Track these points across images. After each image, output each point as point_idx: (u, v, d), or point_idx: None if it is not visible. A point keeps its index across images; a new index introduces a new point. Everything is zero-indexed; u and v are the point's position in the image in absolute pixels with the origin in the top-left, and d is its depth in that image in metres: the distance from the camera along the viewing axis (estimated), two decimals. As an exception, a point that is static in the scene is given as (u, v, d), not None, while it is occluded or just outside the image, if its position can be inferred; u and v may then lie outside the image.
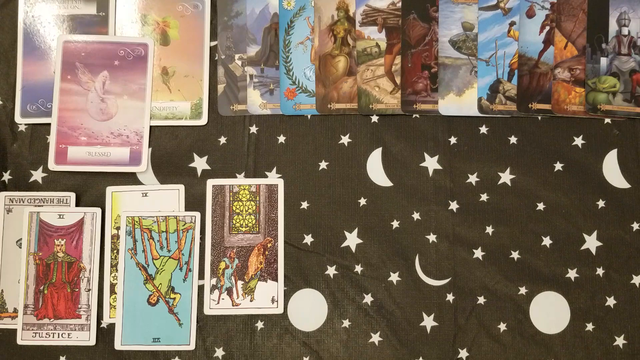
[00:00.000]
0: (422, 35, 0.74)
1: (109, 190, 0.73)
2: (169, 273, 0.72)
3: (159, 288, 0.71)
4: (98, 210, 0.72)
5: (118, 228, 0.72)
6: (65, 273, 0.72)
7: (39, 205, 0.73)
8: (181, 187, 0.74)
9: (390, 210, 0.74)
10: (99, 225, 0.72)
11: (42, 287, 0.71)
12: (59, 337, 0.71)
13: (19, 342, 0.71)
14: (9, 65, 0.75)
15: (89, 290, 0.72)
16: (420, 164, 0.75)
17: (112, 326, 0.72)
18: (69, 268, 0.72)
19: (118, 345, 0.71)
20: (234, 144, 0.75)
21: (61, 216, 0.72)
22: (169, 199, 0.73)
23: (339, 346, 0.73)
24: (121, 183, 0.74)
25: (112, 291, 0.72)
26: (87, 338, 0.71)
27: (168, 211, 0.73)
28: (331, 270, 0.74)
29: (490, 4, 0.75)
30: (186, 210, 0.73)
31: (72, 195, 0.73)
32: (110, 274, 0.72)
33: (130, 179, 0.74)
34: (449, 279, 0.74)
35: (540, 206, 0.74)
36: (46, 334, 0.71)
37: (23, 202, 0.73)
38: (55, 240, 0.72)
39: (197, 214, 0.73)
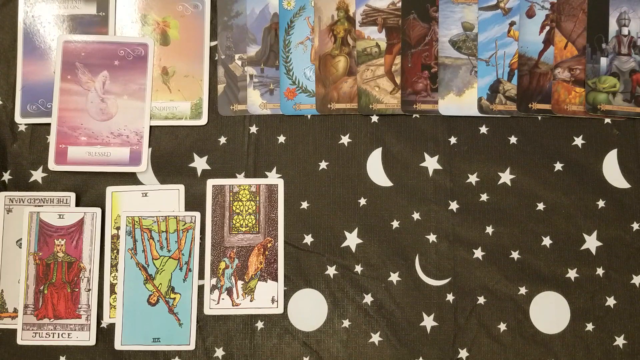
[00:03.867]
0: (422, 35, 0.74)
1: (109, 190, 0.73)
2: (169, 273, 0.72)
3: (159, 288, 0.71)
4: (98, 210, 0.72)
5: (118, 228, 0.72)
6: (65, 273, 0.72)
7: (39, 205, 0.73)
8: (181, 187, 0.74)
9: (390, 210, 0.74)
10: (99, 225, 0.72)
11: (42, 287, 0.71)
12: (59, 337, 0.71)
13: (19, 342, 0.71)
14: (9, 65, 0.75)
15: (89, 290, 0.72)
16: (420, 164, 0.75)
17: (112, 326, 0.72)
18: (69, 268, 0.72)
19: (118, 345, 0.71)
20: (234, 144, 0.75)
21: (61, 216, 0.72)
22: (169, 199, 0.73)
23: (339, 346, 0.73)
24: (121, 183, 0.74)
25: (112, 291, 0.72)
26: (87, 338, 0.71)
27: (168, 211, 0.73)
28: (331, 270, 0.74)
29: (490, 4, 0.75)
30: (186, 210, 0.73)
31: (72, 195, 0.73)
32: (110, 274, 0.72)
33: (130, 179, 0.74)
34: (449, 279, 0.74)
35: (540, 206, 0.74)
36: (46, 334, 0.71)
37: (23, 202, 0.73)
38: (55, 240, 0.72)
39: (197, 214, 0.73)
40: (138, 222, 0.72)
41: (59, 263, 0.72)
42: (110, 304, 0.72)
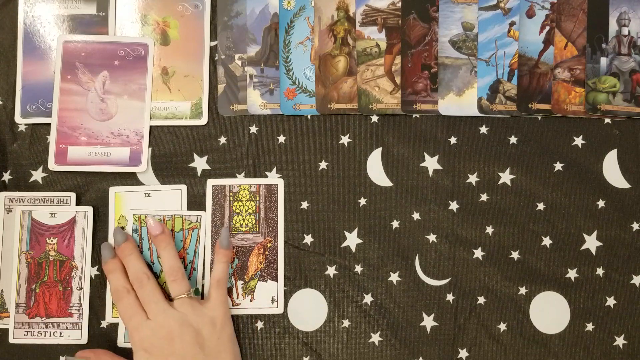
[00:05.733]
0: (422, 35, 0.75)
1: (112, 190, 0.73)
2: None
3: (163, 286, 0.71)
4: (90, 209, 0.72)
5: (122, 228, 0.72)
6: (57, 272, 0.71)
7: (37, 205, 0.73)
8: (183, 187, 0.74)
9: (390, 210, 0.74)
10: (90, 224, 0.72)
11: (34, 286, 0.71)
12: (50, 335, 0.71)
13: (11, 340, 0.71)
14: (9, 65, 0.75)
15: (80, 288, 0.72)
16: (420, 164, 0.75)
17: (111, 326, 0.72)
18: (60, 267, 0.72)
19: (121, 343, 0.71)
20: (234, 144, 0.75)
21: (53, 215, 0.72)
22: (171, 199, 0.73)
23: (339, 346, 0.73)
24: (121, 183, 0.74)
25: (113, 291, 0.72)
26: (79, 337, 0.71)
27: (174, 210, 0.73)
28: (331, 270, 0.74)
29: (490, 4, 0.75)
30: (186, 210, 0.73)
31: (73, 195, 0.73)
32: (111, 274, 0.72)
33: (131, 179, 0.74)
34: (449, 279, 0.74)
35: (540, 206, 0.74)
36: (38, 332, 0.71)
37: (23, 202, 0.73)
38: (47, 238, 0.72)
39: (203, 214, 0.73)
40: (145, 221, 0.72)
41: (50, 262, 0.72)
42: (113, 304, 0.72)
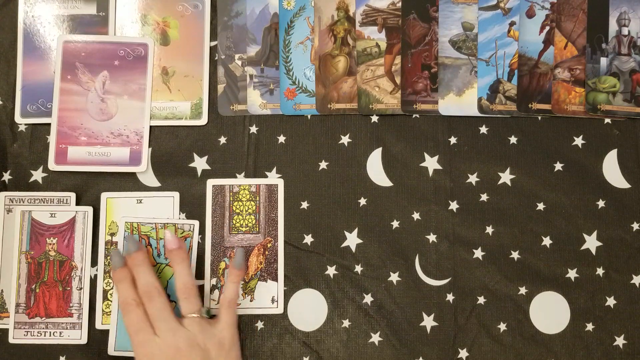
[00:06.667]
0: (422, 35, 0.75)
1: (104, 196, 0.73)
2: (165, 281, 0.71)
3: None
4: (90, 209, 0.72)
5: (112, 234, 0.72)
6: (57, 272, 0.71)
7: (36, 205, 0.73)
8: (176, 195, 0.73)
9: (390, 210, 0.74)
10: (90, 224, 0.72)
11: (33, 286, 0.71)
12: (50, 335, 0.71)
13: (11, 340, 0.71)
14: (9, 65, 0.75)
15: (80, 289, 0.71)
16: (420, 164, 0.75)
17: (106, 330, 0.72)
18: (60, 267, 0.71)
19: (111, 351, 0.71)
20: (234, 144, 0.75)
21: (53, 215, 0.72)
22: (163, 206, 0.73)
23: (339, 346, 0.73)
24: (121, 183, 0.74)
25: (105, 297, 0.72)
26: (79, 337, 0.71)
27: (167, 218, 0.72)
28: (331, 270, 0.74)
29: (490, 4, 0.75)
30: (186, 211, 0.73)
31: (73, 195, 0.73)
32: (104, 280, 0.72)
33: (130, 179, 0.74)
34: (449, 279, 0.74)
35: (540, 206, 0.74)
36: (38, 332, 0.71)
37: (23, 202, 0.73)
38: (47, 239, 0.72)
39: (196, 223, 0.72)
40: (136, 229, 0.72)
41: (50, 262, 0.71)
42: (103, 311, 0.71)
